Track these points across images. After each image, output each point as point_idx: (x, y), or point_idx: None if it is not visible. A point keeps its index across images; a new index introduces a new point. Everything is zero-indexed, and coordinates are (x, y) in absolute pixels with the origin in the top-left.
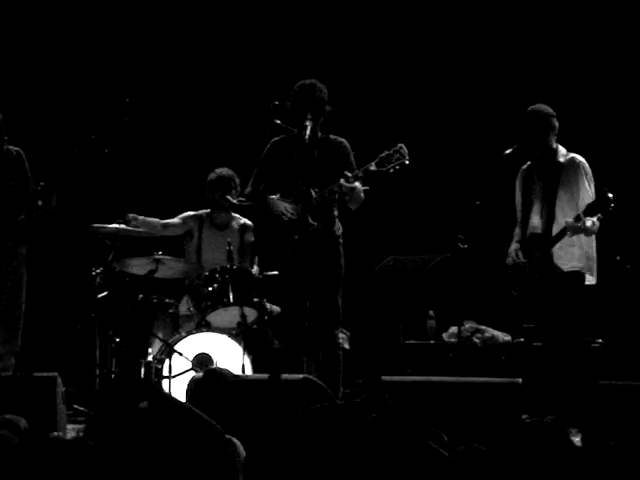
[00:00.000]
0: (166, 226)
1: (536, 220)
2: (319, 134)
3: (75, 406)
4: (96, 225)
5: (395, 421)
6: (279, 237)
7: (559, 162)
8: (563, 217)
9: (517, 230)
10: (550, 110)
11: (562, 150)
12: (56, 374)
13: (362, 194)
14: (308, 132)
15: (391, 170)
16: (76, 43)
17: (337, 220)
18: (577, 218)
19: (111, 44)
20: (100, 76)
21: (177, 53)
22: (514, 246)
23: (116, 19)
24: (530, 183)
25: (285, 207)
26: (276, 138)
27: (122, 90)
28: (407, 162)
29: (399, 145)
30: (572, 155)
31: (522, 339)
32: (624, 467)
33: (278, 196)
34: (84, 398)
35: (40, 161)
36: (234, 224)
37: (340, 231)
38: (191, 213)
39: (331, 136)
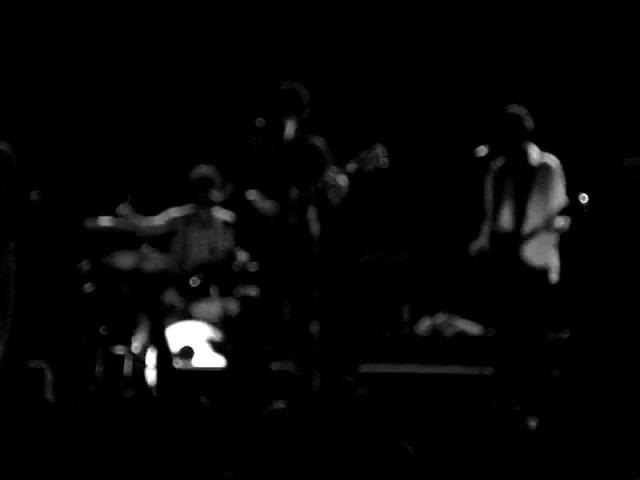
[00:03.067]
0: (151, 228)
1: (506, 218)
2: (297, 134)
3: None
4: (88, 220)
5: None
6: (260, 234)
7: (532, 164)
8: (534, 217)
9: (484, 226)
10: (523, 111)
11: (536, 150)
12: (45, 365)
13: (346, 188)
14: (287, 132)
15: (369, 169)
16: (66, 36)
17: (313, 221)
18: (548, 221)
19: (101, 39)
20: (89, 71)
21: (166, 48)
22: (480, 242)
23: (105, 15)
24: (502, 181)
25: (268, 205)
26: (255, 138)
27: (111, 83)
28: (386, 162)
29: (377, 145)
30: (546, 156)
31: (493, 331)
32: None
33: (255, 194)
34: (71, 388)
35: (29, 156)
36: (216, 222)
37: (317, 230)
38: (176, 214)
39: (308, 136)
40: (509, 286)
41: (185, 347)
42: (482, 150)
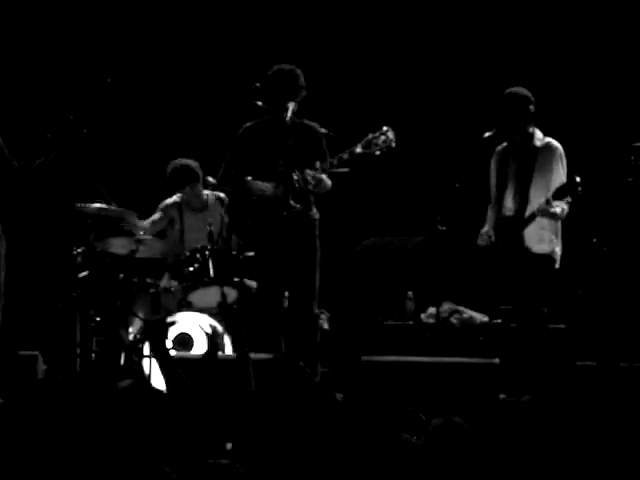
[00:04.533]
0: (153, 224)
1: (509, 202)
2: (294, 119)
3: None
4: (79, 205)
5: (365, 401)
6: (258, 218)
7: (535, 146)
8: (536, 200)
9: (490, 211)
10: (527, 93)
11: (539, 134)
12: (37, 353)
13: (328, 185)
14: (289, 114)
15: (377, 152)
16: (53, 23)
17: (313, 204)
18: (547, 202)
19: (89, 25)
20: (78, 57)
21: (155, 34)
22: (486, 227)
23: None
24: (505, 165)
25: (266, 186)
26: (248, 123)
27: (100, 70)
28: (393, 145)
29: (385, 128)
30: (548, 139)
31: (499, 320)
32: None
33: (251, 178)
34: (65, 377)
35: (19, 140)
36: (210, 202)
37: (317, 215)
38: (168, 201)
39: (305, 121)
40: (512, 273)
41: (183, 335)
42: (489, 133)
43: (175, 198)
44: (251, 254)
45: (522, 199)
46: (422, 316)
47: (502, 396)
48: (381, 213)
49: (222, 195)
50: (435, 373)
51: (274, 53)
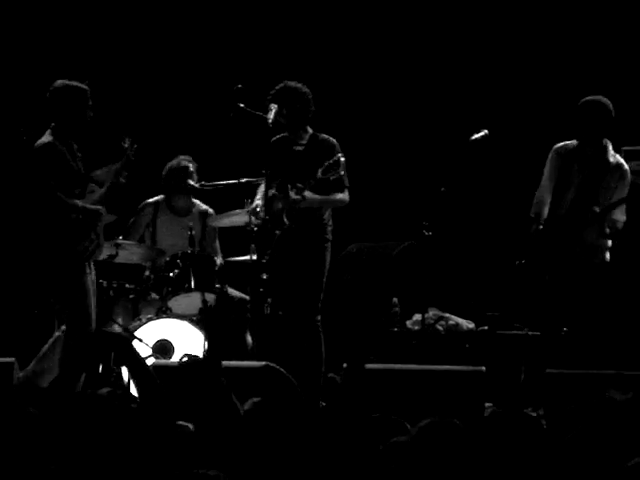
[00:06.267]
0: (136, 230)
1: (567, 206)
2: (310, 131)
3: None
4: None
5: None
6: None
7: (607, 161)
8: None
9: (542, 206)
10: (608, 103)
11: (611, 149)
12: (14, 359)
13: (315, 200)
14: (271, 116)
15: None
16: (33, 27)
17: (327, 221)
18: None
19: (71, 29)
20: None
21: (139, 36)
22: (536, 225)
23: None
24: (569, 170)
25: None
26: (274, 138)
27: (83, 73)
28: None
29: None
30: (620, 159)
31: (486, 327)
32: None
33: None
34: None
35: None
36: (194, 210)
37: (329, 234)
38: (147, 201)
39: (320, 135)
40: (561, 277)
41: (162, 342)
42: (479, 134)
43: (156, 198)
44: (238, 259)
45: (583, 210)
46: (407, 323)
47: (488, 404)
48: (366, 218)
49: (210, 210)
50: (420, 381)
51: (273, 56)
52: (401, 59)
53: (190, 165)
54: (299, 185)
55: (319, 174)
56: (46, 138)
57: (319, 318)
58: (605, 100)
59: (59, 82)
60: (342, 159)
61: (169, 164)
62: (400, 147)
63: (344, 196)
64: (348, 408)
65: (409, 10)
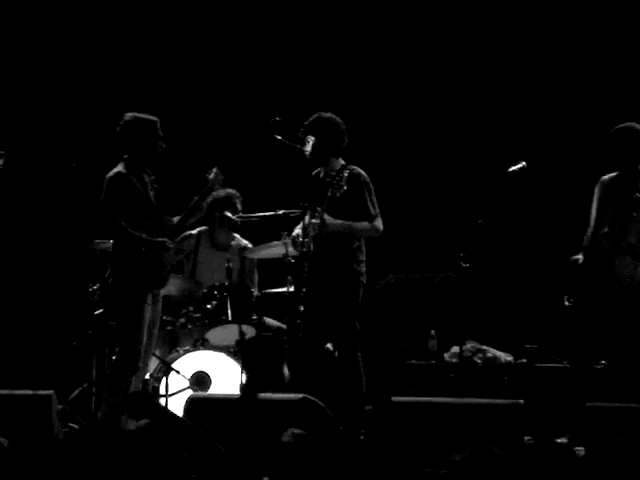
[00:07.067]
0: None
1: (604, 236)
2: (342, 163)
3: (71, 424)
4: (96, 241)
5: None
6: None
7: (638, 187)
8: (631, 240)
9: (585, 240)
10: None
11: None
12: (52, 392)
13: (338, 225)
14: (309, 149)
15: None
16: (69, 46)
17: (356, 252)
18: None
19: (107, 50)
20: (95, 88)
21: (175, 61)
22: (579, 256)
23: (110, 21)
24: (608, 197)
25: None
26: (314, 171)
27: (116, 100)
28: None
29: (345, 172)
30: None
31: (524, 360)
32: None
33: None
34: (80, 416)
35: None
36: (234, 245)
37: (358, 266)
38: (188, 232)
39: (349, 166)
40: (597, 310)
41: (199, 373)
42: (517, 166)
43: (198, 230)
44: (274, 291)
45: (618, 236)
46: (445, 355)
47: (527, 438)
48: (404, 249)
49: (250, 246)
50: (458, 414)
51: (310, 88)
52: (440, 90)
53: (235, 198)
54: (317, 208)
55: (328, 193)
56: (118, 168)
57: (359, 354)
58: (637, 126)
59: (129, 115)
60: (345, 174)
61: (215, 194)
62: (438, 178)
63: (376, 224)
64: (386, 441)
65: (449, 42)
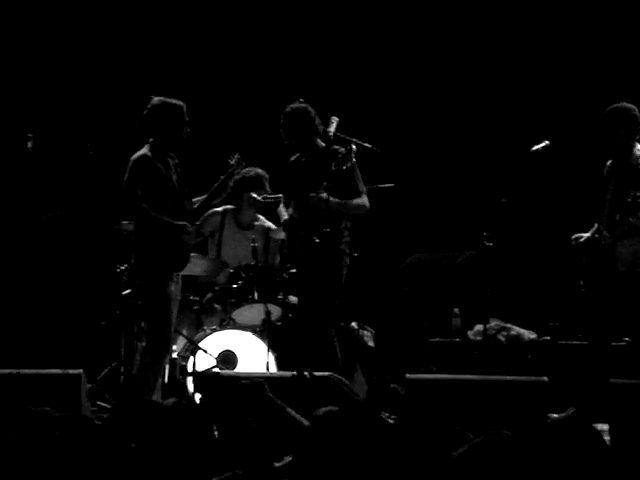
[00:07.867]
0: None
1: (603, 219)
2: (322, 145)
3: (99, 403)
4: (123, 222)
5: (415, 422)
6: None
7: (632, 164)
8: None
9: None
10: (635, 108)
11: (637, 151)
12: (81, 371)
13: (335, 203)
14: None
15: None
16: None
17: (342, 232)
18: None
19: (129, 37)
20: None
21: (198, 47)
22: (589, 234)
23: (133, 6)
24: (608, 180)
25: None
26: (292, 158)
27: (137, 90)
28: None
29: (350, 145)
30: None
31: (548, 337)
32: None
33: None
34: (109, 395)
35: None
36: (258, 225)
37: (343, 246)
38: (212, 210)
39: (333, 146)
40: (599, 288)
41: (227, 352)
42: (537, 147)
43: (223, 207)
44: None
45: (612, 217)
46: (469, 333)
47: (551, 415)
48: (427, 229)
49: (273, 227)
50: (482, 391)
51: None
52: (465, 70)
53: (264, 179)
54: (320, 191)
55: (333, 167)
56: (143, 151)
57: (333, 331)
58: (629, 106)
59: (156, 99)
60: (354, 147)
61: (244, 172)
62: (461, 158)
63: (362, 201)
64: (413, 419)
65: (470, 25)
